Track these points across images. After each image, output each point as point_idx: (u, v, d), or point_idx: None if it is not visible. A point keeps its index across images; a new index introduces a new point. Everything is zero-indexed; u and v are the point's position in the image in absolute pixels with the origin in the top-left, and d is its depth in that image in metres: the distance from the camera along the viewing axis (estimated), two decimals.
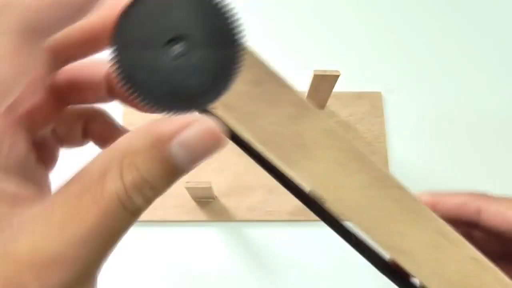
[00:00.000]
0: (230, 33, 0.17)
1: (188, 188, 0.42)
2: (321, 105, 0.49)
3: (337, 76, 0.42)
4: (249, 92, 0.18)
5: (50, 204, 0.16)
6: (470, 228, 0.25)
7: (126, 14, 0.17)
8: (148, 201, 0.16)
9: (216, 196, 0.46)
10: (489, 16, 0.55)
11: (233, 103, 0.18)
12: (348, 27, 0.55)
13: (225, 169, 0.46)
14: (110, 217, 0.15)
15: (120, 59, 0.17)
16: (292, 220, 0.45)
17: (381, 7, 0.56)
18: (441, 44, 0.53)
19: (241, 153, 0.20)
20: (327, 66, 0.42)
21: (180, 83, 0.17)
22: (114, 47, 0.17)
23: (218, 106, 0.18)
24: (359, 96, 0.51)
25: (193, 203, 0.46)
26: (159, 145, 0.16)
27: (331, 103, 0.50)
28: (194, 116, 0.16)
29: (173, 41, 0.17)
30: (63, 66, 0.20)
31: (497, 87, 0.52)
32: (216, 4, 0.17)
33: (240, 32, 0.17)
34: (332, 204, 0.19)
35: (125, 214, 0.15)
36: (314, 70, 0.42)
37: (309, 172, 0.19)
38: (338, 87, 0.44)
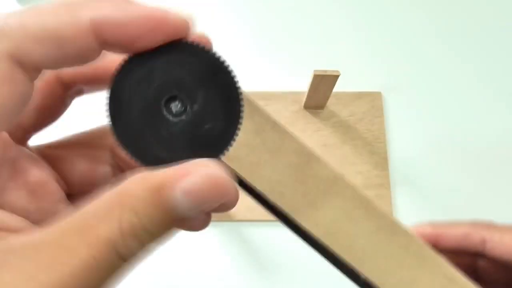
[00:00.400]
0: (226, 80, 0.17)
1: None
2: (321, 105, 0.49)
3: (337, 76, 0.42)
4: (250, 142, 0.18)
5: (39, 240, 0.15)
6: (476, 256, 0.25)
7: (116, 85, 0.17)
8: (144, 248, 0.15)
9: None
10: (492, 17, 0.55)
11: (235, 154, 0.18)
12: (348, 27, 0.55)
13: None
14: (101, 261, 0.14)
15: (120, 130, 0.17)
16: None
17: (381, 7, 0.56)
18: (441, 44, 0.53)
19: None
20: (327, 66, 0.42)
21: (192, 137, 0.17)
22: (111, 119, 0.17)
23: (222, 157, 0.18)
24: (359, 96, 0.51)
25: None
26: (162, 191, 0.15)
27: (331, 103, 0.50)
28: (198, 162, 0.16)
29: (169, 100, 0.17)
30: (75, 95, 0.20)
31: (497, 86, 0.52)
32: (205, 53, 0.17)
33: (234, 77, 0.17)
34: (340, 252, 0.19)
35: (118, 260, 0.15)
36: (314, 70, 0.42)
37: (315, 221, 0.19)
38: (338, 87, 0.44)
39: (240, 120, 0.17)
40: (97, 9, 0.16)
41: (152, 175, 0.15)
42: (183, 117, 0.17)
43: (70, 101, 0.21)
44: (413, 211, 0.45)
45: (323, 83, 0.44)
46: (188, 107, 0.17)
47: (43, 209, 0.19)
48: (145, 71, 0.17)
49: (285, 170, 0.18)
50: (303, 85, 0.46)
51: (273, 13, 0.56)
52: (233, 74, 0.16)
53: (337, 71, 0.42)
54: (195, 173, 0.15)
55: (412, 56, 0.53)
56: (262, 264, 0.44)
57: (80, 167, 0.21)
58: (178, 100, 0.17)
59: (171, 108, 0.17)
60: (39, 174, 0.19)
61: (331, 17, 0.55)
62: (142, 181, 0.15)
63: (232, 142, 0.17)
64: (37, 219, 0.18)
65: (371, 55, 0.53)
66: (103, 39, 0.16)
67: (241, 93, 0.17)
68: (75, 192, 0.21)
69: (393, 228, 0.19)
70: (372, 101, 0.51)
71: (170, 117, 0.17)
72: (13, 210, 0.18)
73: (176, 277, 0.44)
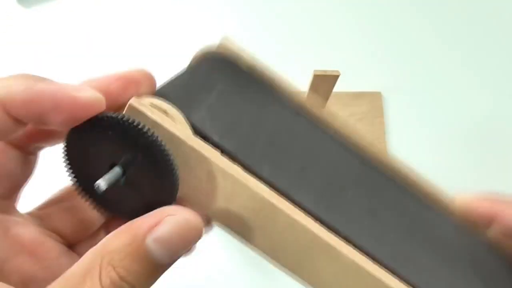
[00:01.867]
0: (146, 144, 0.17)
1: None
2: (321, 105, 0.49)
3: (337, 76, 0.42)
4: (203, 188, 0.18)
5: None
6: None
7: (67, 154, 0.18)
8: None
9: None
10: (490, 15, 0.55)
11: (191, 198, 0.19)
12: (348, 27, 0.55)
13: None
14: None
15: (79, 185, 0.19)
16: None
17: (381, 8, 0.56)
18: (441, 44, 0.53)
19: None
20: (327, 66, 0.42)
21: (139, 194, 0.18)
22: (72, 176, 0.19)
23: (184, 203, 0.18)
24: (359, 96, 0.51)
25: None
26: (135, 242, 0.16)
27: (331, 103, 0.50)
28: (170, 209, 0.16)
29: (112, 166, 0.18)
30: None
31: (497, 86, 0.52)
32: (120, 125, 0.17)
33: (154, 139, 0.17)
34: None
35: None
36: (314, 70, 0.42)
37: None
38: (338, 87, 0.44)
39: (174, 173, 0.17)
40: (5, 87, 0.16)
41: (127, 226, 0.16)
42: (124, 180, 0.18)
43: (36, 156, 0.21)
44: None
45: (323, 83, 0.44)
46: (126, 171, 0.18)
47: (48, 268, 0.19)
48: (81, 144, 0.18)
49: (246, 211, 0.19)
50: (303, 85, 0.46)
51: (273, 13, 0.56)
52: (151, 137, 0.17)
53: (337, 71, 0.42)
54: (165, 222, 0.16)
55: (412, 56, 0.53)
56: (262, 264, 0.44)
57: (71, 219, 0.21)
58: (117, 166, 0.18)
59: (114, 172, 0.17)
60: (33, 235, 0.19)
61: (331, 17, 0.55)
62: (119, 234, 0.16)
63: (174, 193, 0.18)
64: (45, 278, 0.18)
65: (371, 55, 0.53)
66: (12, 115, 0.16)
67: (164, 151, 0.17)
68: (76, 241, 0.21)
69: None
70: (372, 101, 0.51)
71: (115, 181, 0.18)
72: (21, 277, 0.18)
73: (176, 277, 0.44)
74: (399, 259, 0.19)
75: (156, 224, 0.16)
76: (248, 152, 0.19)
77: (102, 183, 0.17)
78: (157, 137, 0.17)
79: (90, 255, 0.16)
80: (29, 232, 0.19)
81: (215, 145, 0.19)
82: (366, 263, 0.18)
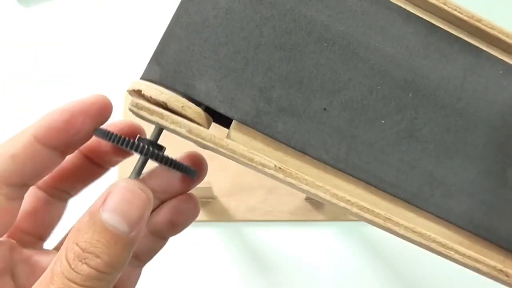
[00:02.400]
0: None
1: None
2: None
3: None
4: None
5: None
6: None
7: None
8: (100, 270, 0.16)
9: (216, 196, 0.46)
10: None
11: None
12: None
13: (225, 169, 0.46)
14: None
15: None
16: (292, 220, 0.45)
17: None
18: None
19: None
20: None
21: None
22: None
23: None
24: None
25: None
26: (92, 218, 0.17)
27: None
28: (116, 182, 0.18)
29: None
30: None
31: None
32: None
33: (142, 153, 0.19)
34: None
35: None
36: None
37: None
38: None
39: (176, 167, 0.19)
40: (37, 124, 0.19)
41: (87, 210, 0.18)
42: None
43: (65, 203, 0.23)
44: None
45: None
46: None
47: None
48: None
49: None
50: None
51: None
52: (137, 151, 0.19)
53: None
54: (111, 192, 0.17)
55: None
56: (262, 264, 0.44)
57: None
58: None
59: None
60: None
61: None
62: (80, 219, 0.18)
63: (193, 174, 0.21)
64: None
65: None
66: (47, 143, 0.19)
67: (156, 157, 0.19)
68: None
69: None
70: None
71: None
72: None
73: (176, 277, 0.44)
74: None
75: (106, 197, 0.17)
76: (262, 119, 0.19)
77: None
78: (142, 149, 0.19)
79: (64, 243, 0.17)
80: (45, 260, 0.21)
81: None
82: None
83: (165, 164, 0.19)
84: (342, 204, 0.19)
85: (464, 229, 0.20)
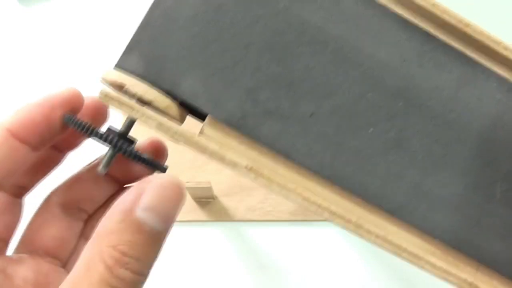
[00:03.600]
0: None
1: (188, 188, 0.42)
2: None
3: None
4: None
5: None
6: None
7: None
8: (140, 273, 0.16)
9: (216, 196, 0.46)
10: (491, 17, 0.55)
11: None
12: None
13: (225, 169, 0.46)
14: None
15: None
16: (292, 220, 0.45)
17: None
18: None
19: None
20: None
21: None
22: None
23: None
24: None
25: (193, 203, 0.46)
26: (127, 218, 0.16)
27: None
28: (148, 178, 0.17)
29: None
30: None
31: None
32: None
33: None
34: None
35: None
36: None
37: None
38: None
39: (146, 163, 0.19)
40: (12, 118, 0.19)
41: (114, 209, 0.16)
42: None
43: (22, 200, 0.22)
44: None
45: None
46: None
47: None
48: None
49: None
50: None
51: None
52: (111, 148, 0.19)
53: None
54: (147, 190, 0.16)
55: None
56: (262, 264, 0.44)
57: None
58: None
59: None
60: (31, 270, 0.20)
61: None
62: (111, 215, 0.16)
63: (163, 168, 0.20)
64: None
65: None
66: (24, 139, 0.19)
67: (126, 153, 0.18)
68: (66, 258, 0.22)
69: None
70: None
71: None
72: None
73: (177, 277, 0.44)
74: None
75: (140, 195, 0.16)
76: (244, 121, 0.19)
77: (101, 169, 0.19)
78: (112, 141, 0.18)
79: (90, 245, 0.16)
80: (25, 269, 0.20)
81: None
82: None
83: (135, 160, 0.19)
84: (313, 208, 0.18)
85: (448, 243, 0.20)
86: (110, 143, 0.18)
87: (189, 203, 0.46)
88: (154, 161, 0.19)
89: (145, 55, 0.19)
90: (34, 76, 0.57)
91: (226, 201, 0.46)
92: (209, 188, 0.43)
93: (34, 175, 0.21)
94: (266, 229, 0.45)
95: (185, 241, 0.45)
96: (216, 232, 0.45)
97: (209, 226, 0.46)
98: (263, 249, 0.45)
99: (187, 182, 0.41)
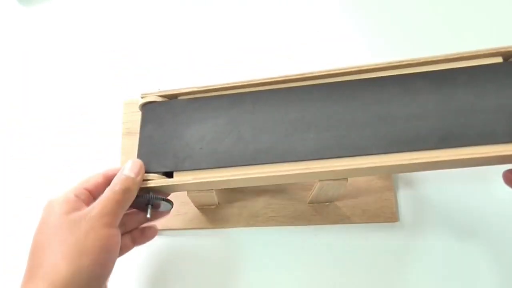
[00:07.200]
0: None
1: (190, 196, 0.42)
2: None
3: None
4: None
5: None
6: None
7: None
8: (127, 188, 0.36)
9: (218, 203, 0.46)
10: (490, 17, 0.54)
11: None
12: (348, 26, 0.54)
13: None
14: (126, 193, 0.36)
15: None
16: (295, 225, 0.45)
17: (380, 7, 0.55)
18: (441, 44, 0.52)
19: None
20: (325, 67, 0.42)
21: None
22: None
23: None
24: None
25: (196, 211, 0.46)
26: (119, 174, 0.37)
27: None
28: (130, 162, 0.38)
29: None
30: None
31: None
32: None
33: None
34: None
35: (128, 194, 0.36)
36: None
37: None
38: None
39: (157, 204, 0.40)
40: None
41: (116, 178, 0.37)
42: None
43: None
44: (417, 214, 0.45)
45: None
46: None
47: None
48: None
49: None
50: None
51: (272, 13, 0.55)
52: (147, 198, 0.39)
53: None
54: (127, 164, 0.37)
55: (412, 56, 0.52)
56: (266, 270, 0.44)
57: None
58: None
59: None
60: None
61: (330, 16, 0.54)
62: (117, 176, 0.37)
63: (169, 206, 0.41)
64: None
65: (371, 56, 0.52)
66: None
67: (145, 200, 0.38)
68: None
69: None
70: None
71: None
72: None
73: (180, 285, 0.44)
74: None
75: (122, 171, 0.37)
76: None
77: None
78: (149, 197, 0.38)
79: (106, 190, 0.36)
80: None
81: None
82: None
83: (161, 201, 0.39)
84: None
85: None
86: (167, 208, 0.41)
87: (191, 210, 0.46)
88: (167, 198, 0.39)
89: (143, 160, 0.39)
90: (34, 76, 0.56)
91: (229, 208, 0.46)
92: (212, 195, 0.43)
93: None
94: (269, 235, 0.45)
95: (188, 248, 0.45)
96: (219, 238, 0.45)
97: (212, 232, 0.46)
98: (266, 254, 0.45)
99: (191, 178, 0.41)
